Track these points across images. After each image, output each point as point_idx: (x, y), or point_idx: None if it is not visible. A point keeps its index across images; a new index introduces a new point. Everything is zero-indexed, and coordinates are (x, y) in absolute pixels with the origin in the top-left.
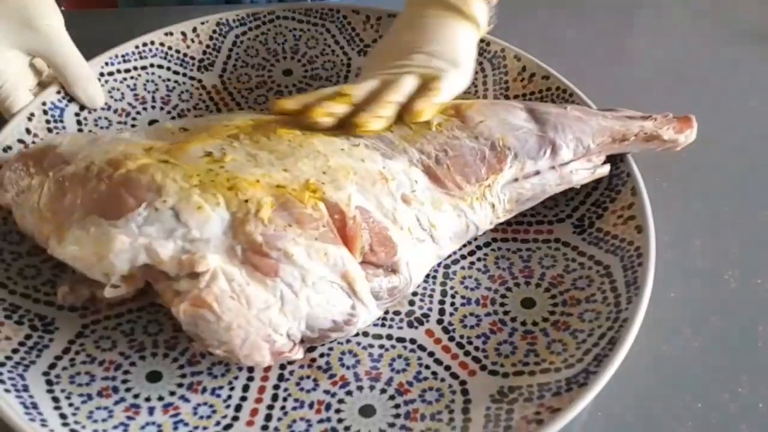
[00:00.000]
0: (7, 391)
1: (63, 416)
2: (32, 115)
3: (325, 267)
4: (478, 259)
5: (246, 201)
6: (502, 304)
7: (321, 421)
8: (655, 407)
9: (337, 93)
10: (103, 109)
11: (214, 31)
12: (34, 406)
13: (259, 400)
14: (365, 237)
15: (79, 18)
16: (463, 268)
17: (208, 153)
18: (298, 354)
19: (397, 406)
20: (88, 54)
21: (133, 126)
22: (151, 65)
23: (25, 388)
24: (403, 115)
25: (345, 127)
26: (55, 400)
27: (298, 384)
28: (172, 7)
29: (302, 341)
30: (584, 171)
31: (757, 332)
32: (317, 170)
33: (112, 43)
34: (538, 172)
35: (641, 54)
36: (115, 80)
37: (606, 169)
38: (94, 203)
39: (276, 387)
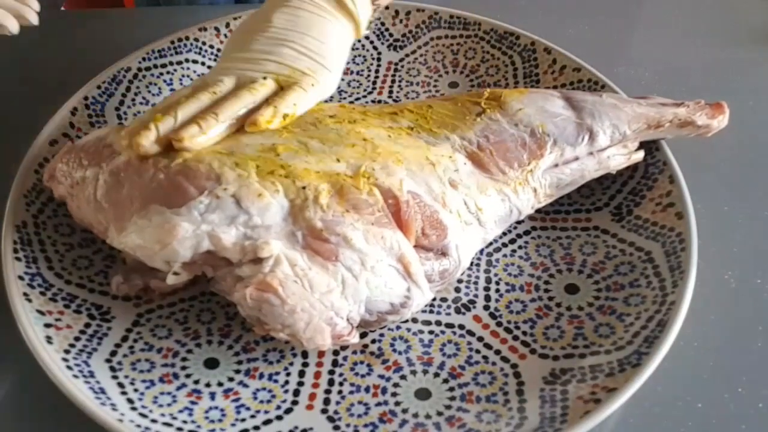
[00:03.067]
0: (75, 377)
1: (130, 401)
2: (75, 109)
3: (383, 251)
4: (519, 247)
5: (303, 188)
6: (546, 290)
7: (379, 404)
8: (655, 407)
9: (168, 107)
10: (141, 103)
11: None
12: (102, 391)
13: (315, 385)
14: (418, 221)
15: (86, 18)
16: (505, 255)
17: (260, 142)
18: (355, 338)
19: (451, 389)
20: (100, 53)
21: None
22: (186, 60)
23: (92, 374)
24: (246, 124)
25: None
26: (120, 385)
27: (352, 369)
28: (182, 7)
29: (359, 325)
30: (620, 156)
31: (757, 332)
32: (368, 157)
33: (121, 43)
34: (577, 158)
35: (641, 54)
36: (152, 75)
37: (640, 155)
38: (154, 192)
39: (331, 372)
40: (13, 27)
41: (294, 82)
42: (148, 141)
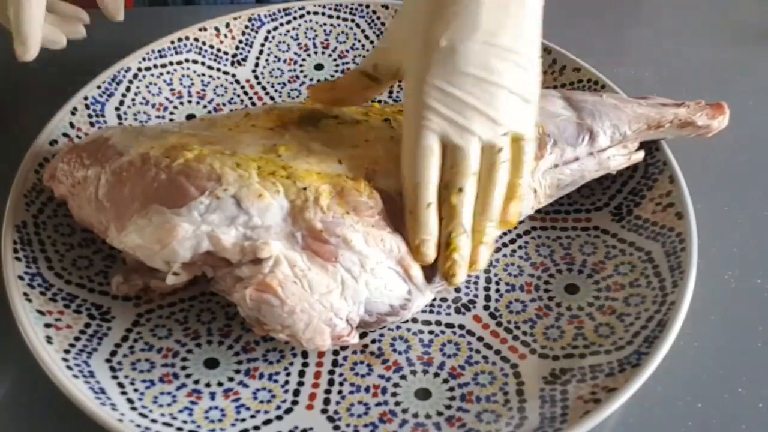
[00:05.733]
0: (75, 377)
1: (130, 401)
2: (75, 109)
3: (382, 253)
4: (519, 247)
5: (304, 189)
6: (546, 290)
7: (379, 404)
8: (655, 407)
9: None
10: (141, 103)
11: (246, 27)
12: (102, 391)
13: (316, 385)
14: None
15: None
16: (505, 255)
17: (261, 143)
18: (355, 339)
19: (451, 389)
20: (100, 53)
21: (170, 121)
22: (186, 60)
23: (92, 374)
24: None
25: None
26: (120, 385)
27: (352, 369)
28: (182, 7)
29: (358, 326)
30: (620, 157)
31: (757, 332)
32: (369, 158)
33: (121, 42)
34: (577, 158)
35: (641, 54)
36: (152, 75)
37: (640, 155)
38: (155, 192)
39: (331, 372)
40: (62, 42)
41: (519, 147)
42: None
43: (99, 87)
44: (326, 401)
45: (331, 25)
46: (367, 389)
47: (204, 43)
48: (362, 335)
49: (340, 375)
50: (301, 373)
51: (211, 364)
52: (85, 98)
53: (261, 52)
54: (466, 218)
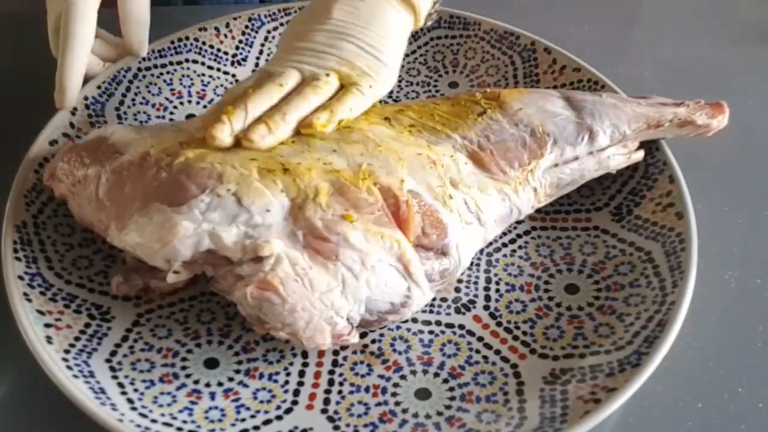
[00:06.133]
0: (75, 377)
1: (130, 401)
2: (75, 109)
3: (383, 250)
4: (519, 247)
5: (304, 187)
6: (546, 290)
7: (379, 404)
8: (655, 407)
9: (238, 98)
10: (141, 103)
11: (246, 27)
12: (102, 391)
13: (315, 385)
14: (417, 220)
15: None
16: (505, 255)
17: None
18: (355, 338)
19: (451, 389)
20: None
21: (170, 121)
22: (186, 60)
23: (92, 374)
24: (300, 125)
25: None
26: (120, 385)
27: (352, 369)
28: (182, 7)
29: (359, 325)
30: (620, 156)
31: (757, 332)
32: (369, 156)
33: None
34: (577, 158)
35: (641, 54)
36: (152, 75)
37: (640, 155)
38: (156, 191)
39: (331, 372)
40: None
41: (353, 82)
42: (224, 134)
43: (99, 87)
44: (326, 401)
45: None
46: (367, 389)
47: (204, 43)
48: (362, 335)
49: (340, 375)
50: (301, 373)
51: (211, 364)
52: (85, 98)
53: (261, 52)
54: (254, 103)
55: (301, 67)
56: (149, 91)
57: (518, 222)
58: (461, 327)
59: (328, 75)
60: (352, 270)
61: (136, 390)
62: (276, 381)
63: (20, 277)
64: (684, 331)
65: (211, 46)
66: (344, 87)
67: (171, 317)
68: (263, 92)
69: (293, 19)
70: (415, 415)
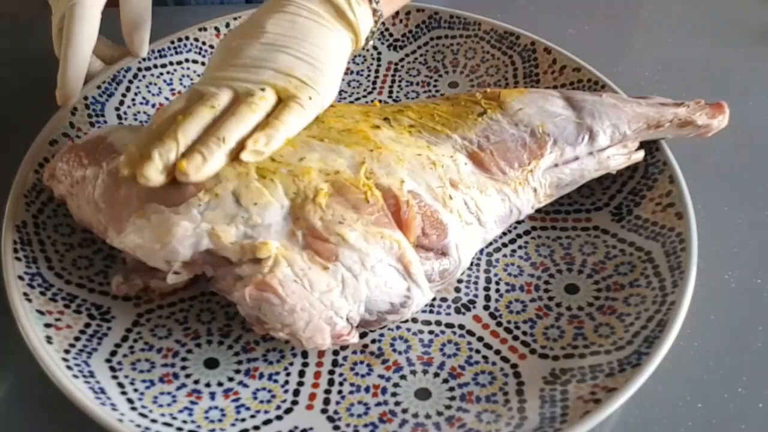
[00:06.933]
0: (75, 377)
1: (130, 401)
2: (75, 109)
3: (382, 250)
4: (519, 247)
5: (303, 187)
6: (546, 290)
7: (379, 404)
8: (655, 407)
9: (168, 122)
10: (141, 103)
11: None
12: (102, 391)
13: (315, 385)
14: (417, 220)
15: None
16: (505, 255)
17: None
18: (355, 338)
19: (451, 389)
20: None
21: None
22: (186, 60)
23: (92, 374)
24: (241, 153)
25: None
26: (120, 385)
27: (352, 369)
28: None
29: (359, 325)
30: (620, 156)
31: (757, 332)
32: (369, 156)
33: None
34: (577, 158)
35: (641, 54)
36: (152, 75)
37: (640, 155)
38: (153, 191)
39: (331, 372)
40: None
41: (291, 95)
42: (154, 173)
43: (99, 87)
44: (326, 401)
45: None
46: (367, 389)
47: (204, 43)
48: (362, 335)
49: (340, 375)
50: (301, 373)
51: (211, 364)
52: (85, 98)
53: None
54: (185, 131)
55: (234, 84)
56: (149, 91)
57: (518, 222)
58: (461, 327)
59: (263, 90)
60: (351, 270)
61: (136, 390)
62: (276, 381)
63: (20, 277)
64: (684, 331)
65: (211, 46)
66: (282, 101)
67: (171, 317)
68: (194, 117)
69: (224, 37)
70: (415, 415)
